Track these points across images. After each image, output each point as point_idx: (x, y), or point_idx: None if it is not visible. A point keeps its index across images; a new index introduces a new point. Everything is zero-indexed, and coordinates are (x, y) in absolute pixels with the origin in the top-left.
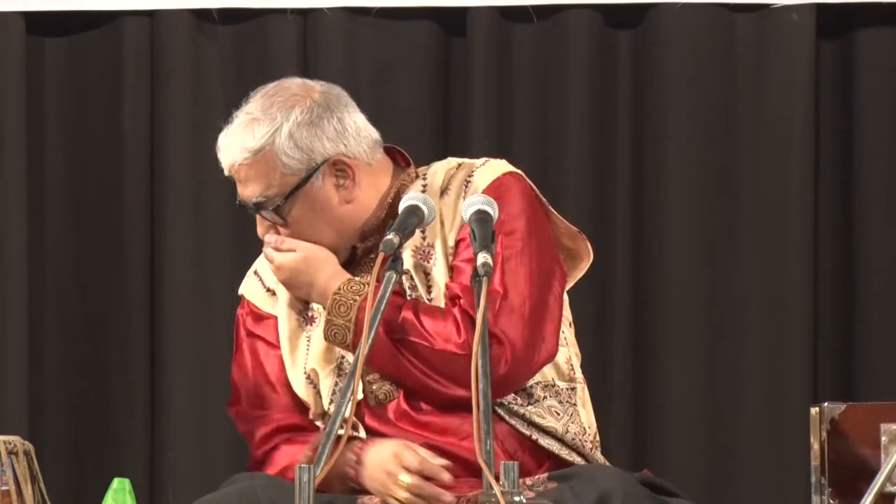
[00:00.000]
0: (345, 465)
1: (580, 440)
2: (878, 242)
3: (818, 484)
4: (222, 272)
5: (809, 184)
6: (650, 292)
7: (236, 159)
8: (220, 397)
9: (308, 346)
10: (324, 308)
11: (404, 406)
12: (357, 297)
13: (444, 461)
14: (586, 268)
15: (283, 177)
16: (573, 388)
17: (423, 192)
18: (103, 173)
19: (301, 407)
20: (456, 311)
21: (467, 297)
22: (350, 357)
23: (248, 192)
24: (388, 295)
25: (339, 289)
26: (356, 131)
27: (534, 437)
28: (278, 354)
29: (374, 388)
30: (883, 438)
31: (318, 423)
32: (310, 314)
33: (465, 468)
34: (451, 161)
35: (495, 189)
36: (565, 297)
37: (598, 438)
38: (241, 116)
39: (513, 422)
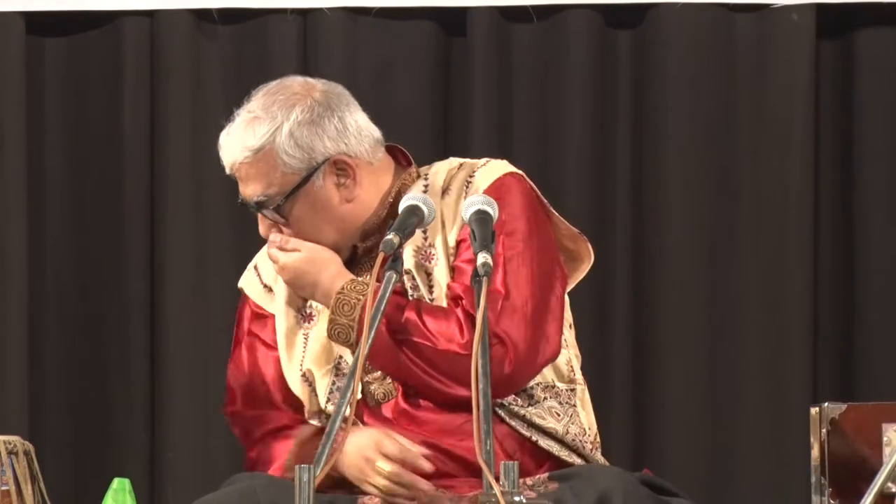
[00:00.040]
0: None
1: (580, 441)
2: (878, 242)
3: (818, 484)
4: (222, 272)
5: (809, 184)
6: (650, 292)
7: (237, 158)
8: (219, 397)
9: (305, 344)
10: (327, 308)
11: (403, 405)
12: (361, 297)
13: (424, 450)
14: (587, 269)
15: (284, 176)
16: (572, 390)
17: (425, 192)
18: (103, 173)
19: (296, 406)
20: (458, 311)
21: (469, 297)
22: (348, 357)
23: (250, 190)
24: (388, 295)
25: (343, 288)
26: (357, 130)
27: (534, 438)
28: (275, 356)
29: (372, 388)
30: (885, 438)
31: (314, 422)
32: (308, 311)
33: (465, 468)
34: (453, 161)
35: (496, 189)
36: (566, 298)
37: (598, 439)
38: (243, 115)
39: (513, 423)
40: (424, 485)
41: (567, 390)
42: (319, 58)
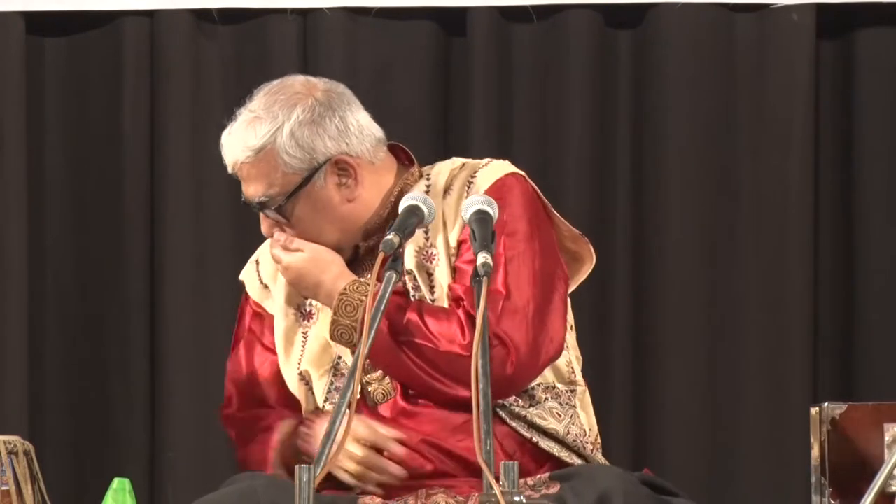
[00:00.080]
0: (297, 439)
1: (581, 442)
2: (878, 242)
3: (818, 484)
4: (222, 272)
5: (809, 184)
6: (650, 292)
7: (239, 157)
8: (219, 397)
9: (304, 343)
10: (330, 308)
11: (402, 404)
12: (363, 298)
13: (397, 433)
14: (589, 271)
15: (286, 176)
16: (572, 391)
17: (427, 191)
18: (103, 173)
19: (293, 404)
20: (460, 312)
21: (470, 298)
22: (347, 357)
23: (252, 190)
24: (388, 295)
25: (346, 289)
26: (359, 130)
27: (534, 439)
28: (274, 359)
29: (371, 388)
30: (886, 438)
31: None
32: (308, 309)
33: (465, 468)
34: (456, 161)
35: (497, 190)
36: (567, 299)
37: (598, 440)
38: (244, 114)
39: (514, 424)
40: (395, 469)
41: (567, 391)
42: (319, 58)
